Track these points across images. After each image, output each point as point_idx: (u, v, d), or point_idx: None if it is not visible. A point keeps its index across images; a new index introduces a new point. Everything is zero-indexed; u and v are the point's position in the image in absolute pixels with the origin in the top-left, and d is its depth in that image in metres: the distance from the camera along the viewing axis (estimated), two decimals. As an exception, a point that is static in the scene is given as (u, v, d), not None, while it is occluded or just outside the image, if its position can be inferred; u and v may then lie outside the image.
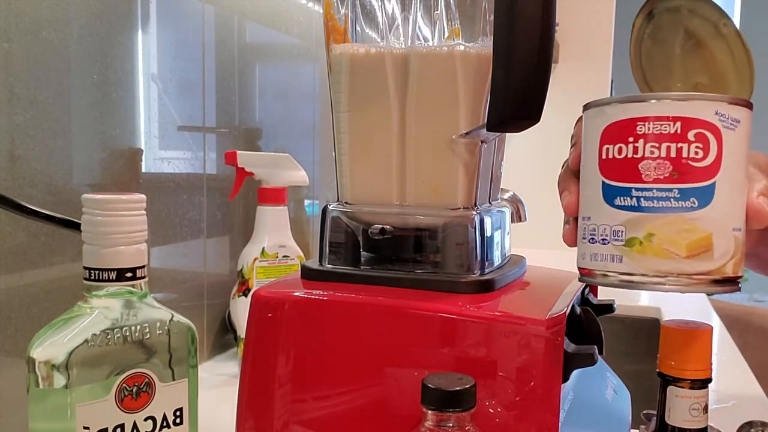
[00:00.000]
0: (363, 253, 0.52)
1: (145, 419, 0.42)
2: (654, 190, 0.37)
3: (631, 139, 0.38)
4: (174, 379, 0.44)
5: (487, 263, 0.50)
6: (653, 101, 0.38)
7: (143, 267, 0.43)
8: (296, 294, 0.49)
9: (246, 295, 0.85)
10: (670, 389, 0.40)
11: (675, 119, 0.37)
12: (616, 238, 0.38)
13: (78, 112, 0.65)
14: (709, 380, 0.40)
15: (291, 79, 1.09)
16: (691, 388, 0.40)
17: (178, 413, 0.44)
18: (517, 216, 1.01)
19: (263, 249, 0.85)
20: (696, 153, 0.37)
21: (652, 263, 0.37)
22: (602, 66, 2.18)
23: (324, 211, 0.53)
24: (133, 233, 0.42)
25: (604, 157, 0.39)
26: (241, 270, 0.85)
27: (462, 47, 0.49)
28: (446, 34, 0.51)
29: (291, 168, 0.88)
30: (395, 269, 0.50)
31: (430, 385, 0.37)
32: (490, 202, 0.55)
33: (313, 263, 0.53)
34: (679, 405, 0.40)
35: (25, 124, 0.59)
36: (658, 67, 0.50)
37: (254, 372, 0.48)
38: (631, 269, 0.38)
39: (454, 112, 0.49)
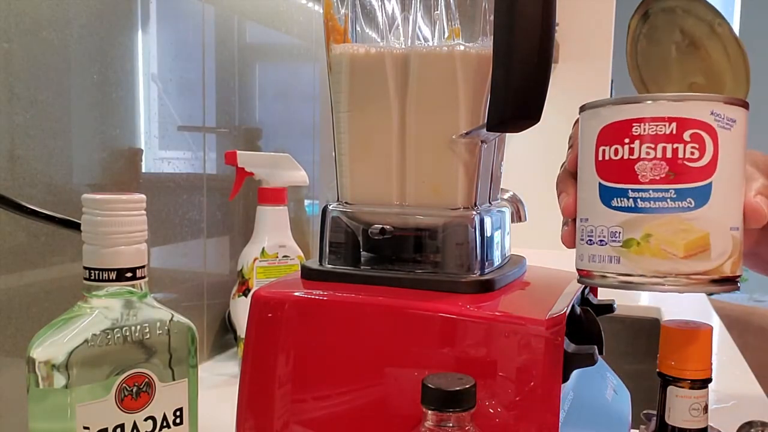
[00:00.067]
0: (363, 253, 0.52)
1: (145, 419, 0.42)
2: (650, 191, 0.37)
3: (627, 140, 0.38)
4: (174, 379, 0.44)
5: (487, 263, 0.50)
6: (648, 102, 0.38)
7: (143, 267, 0.43)
8: (296, 294, 0.49)
9: (246, 295, 0.85)
10: (670, 389, 0.40)
11: (670, 120, 0.37)
12: (613, 239, 0.38)
13: (78, 112, 0.65)
14: (709, 380, 0.40)
15: (291, 79, 1.09)
16: (691, 388, 0.40)
17: (178, 413, 0.44)
18: (517, 216, 1.01)
19: (263, 249, 0.85)
20: (692, 153, 0.37)
21: (650, 264, 0.37)
22: (602, 66, 2.18)
23: (324, 211, 0.53)
24: (133, 233, 0.42)
25: (600, 158, 0.39)
26: (241, 270, 0.85)
27: (462, 47, 0.49)
28: (446, 34, 0.51)
29: (291, 168, 0.88)
30: (395, 269, 0.50)
31: (430, 385, 0.37)
32: (490, 202, 0.55)
33: (313, 263, 0.53)
34: (679, 405, 0.40)
35: (25, 124, 0.59)
36: (653, 68, 0.51)
37: (254, 372, 0.48)
38: (630, 270, 0.38)
39: (454, 112, 0.49)
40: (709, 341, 0.40)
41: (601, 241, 0.39)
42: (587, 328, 0.49)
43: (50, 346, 0.39)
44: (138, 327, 0.42)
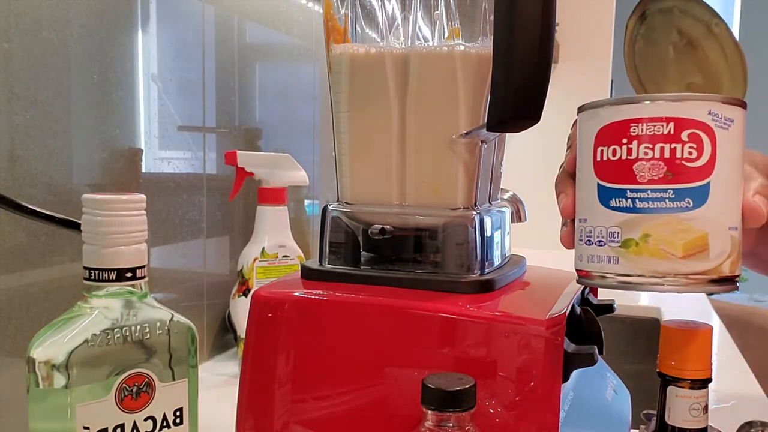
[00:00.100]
0: (363, 253, 0.52)
1: (145, 419, 0.42)
2: (649, 191, 0.37)
3: (624, 141, 0.38)
4: (174, 379, 0.44)
5: (487, 263, 0.50)
6: (646, 102, 0.38)
7: (143, 267, 0.43)
8: (296, 294, 0.49)
9: (246, 295, 0.85)
10: (670, 389, 0.40)
11: (668, 120, 0.37)
12: (612, 239, 0.39)
13: (78, 112, 0.65)
14: (709, 380, 0.40)
15: (291, 79, 1.09)
16: (691, 388, 0.40)
17: (178, 413, 0.44)
18: (517, 216, 1.01)
19: (263, 249, 0.85)
20: (690, 153, 0.37)
21: (648, 264, 0.37)
22: (602, 66, 2.18)
23: (324, 211, 0.53)
24: (133, 233, 0.42)
25: (598, 159, 0.39)
26: (241, 270, 0.85)
27: (462, 47, 0.49)
28: (446, 34, 0.51)
29: (291, 168, 0.88)
30: (395, 269, 0.50)
31: (430, 385, 0.37)
32: (490, 202, 0.55)
33: (313, 263, 0.52)
34: (679, 405, 0.40)
35: (25, 124, 0.59)
36: (651, 68, 0.51)
37: (254, 372, 0.48)
38: (628, 270, 0.38)
39: (454, 112, 0.49)
40: (709, 341, 0.40)
41: (599, 241, 0.39)
42: (587, 328, 0.49)
43: (50, 346, 0.39)
44: (138, 327, 0.42)
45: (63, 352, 0.39)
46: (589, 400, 0.55)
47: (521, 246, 0.75)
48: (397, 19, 0.52)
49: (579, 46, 2.15)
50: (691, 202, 0.37)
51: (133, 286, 0.43)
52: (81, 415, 0.40)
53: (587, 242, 0.40)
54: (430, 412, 0.38)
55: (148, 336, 0.42)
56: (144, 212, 0.43)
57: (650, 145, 0.37)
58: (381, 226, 0.51)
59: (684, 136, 0.37)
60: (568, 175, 0.43)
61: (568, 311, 0.45)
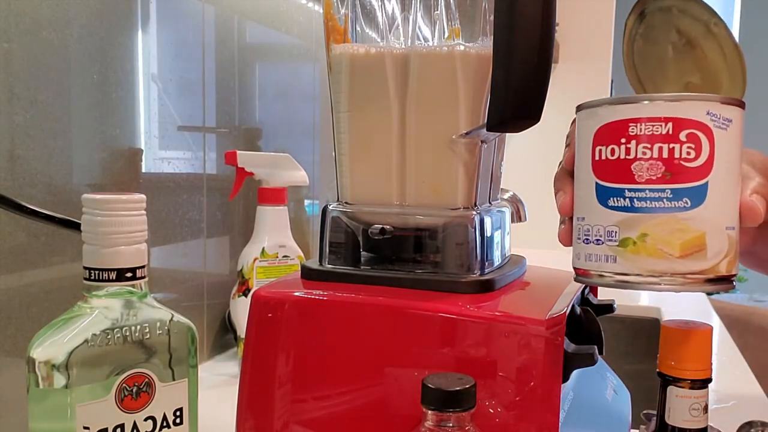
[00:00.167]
0: (363, 253, 0.52)
1: (145, 419, 0.42)
2: (647, 191, 0.37)
3: (623, 140, 0.38)
4: (174, 379, 0.44)
5: (487, 263, 0.50)
6: (645, 102, 0.38)
7: (143, 267, 0.43)
8: (296, 294, 0.49)
9: (246, 295, 0.85)
10: (670, 389, 0.40)
11: (666, 120, 0.37)
12: (610, 238, 0.39)
13: (78, 112, 0.65)
14: (709, 380, 0.40)
15: (291, 79, 1.09)
16: (691, 388, 0.40)
17: (178, 413, 0.44)
18: (517, 216, 1.01)
19: (263, 249, 0.85)
20: (688, 153, 0.37)
21: (646, 263, 0.38)
22: (602, 66, 2.18)
23: (324, 211, 0.53)
24: (133, 233, 0.42)
25: (597, 158, 0.39)
26: (241, 270, 0.85)
27: (462, 47, 0.49)
28: (446, 34, 0.51)
29: (291, 168, 0.88)
30: (395, 269, 0.50)
31: (430, 385, 0.37)
32: (490, 202, 0.55)
33: (313, 263, 0.52)
34: (679, 405, 0.40)
35: (25, 124, 0.59)
36: (650, 67, 0.51)
37: (254, 372, 0.48)
38: (626, 269, 0.38)
39: (454, 112, 0.49)
40: (709, 341, 0.40)
41: (597, 240, 0.39)
42: (587, 328, 0.49)
43: (50, 346, 0.39)
44: (138, 327, 0.42)
45: (63, 352, 0.39)
46: (589, 400, 0.55)
47: (521, 246, 0.75)
48: (397, 19, 0.52)
49: (579, 46, 2.15)
50: (688, 202, 0.37)
51: (133, 286, 0.43)
52: (81, 415, 0.40)
53: (585, 241, 0.40)
54: (430, 412, 0.38)
55: (148, 336, 0.42)
56: (144, 212, 0.43)
57: (648, 145, 0.37)
58: (381, 226, 0.51)
59: (682, 136, 0.37)
60: (566, 173, 0.43)
61: (568, 311, 0.45)
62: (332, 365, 0.47)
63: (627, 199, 0.38)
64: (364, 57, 0.50)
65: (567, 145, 0.45)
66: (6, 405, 0.58)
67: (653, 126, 0.37)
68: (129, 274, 0.42)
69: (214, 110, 0.87)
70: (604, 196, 0.39)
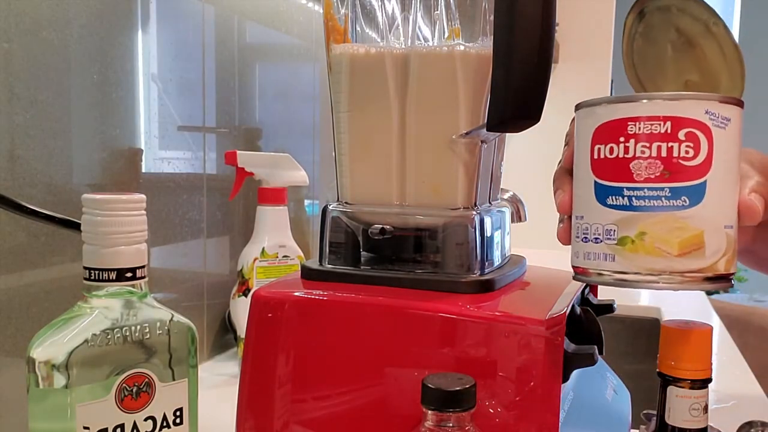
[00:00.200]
0: (363, 253, 0.52)
1: (145, 419, 0.42)
2: (645, 190, 0.37)
3: (622, 139, 0.38)
4: (174, 379, 0.44)
5: (487, 263, 0.50)
6: (644, 101, 0.38)
7: (143, 267, 0.43)
8: (296, 294, 0.49)
9: (246, 295, 0.85)
10: (670, 389, 0.40)
11: (665, 119, 0.37)
12: (608, 237, 0.39)
13: (78, 112, 0.65)
14: (709, 380, 0.40)
15: (291, 79, 1.09)
16: (691, 388, 0.40)
17: (178, 413, 0.44)
18: (517, 216, 1.01)
19: (263, 249, 0.85)
20: (687, 152, 0.37)
21: (644, 262, 0.38)
22: (602, 66, 2.18)
23: (324, 211, 0.53)
24: (133, 233, 0.42)
25: (595, 157, 0.39)
26: (241, 270, 0.85)
27: (462, 47, 0.49)
28: (446, 34, 0.51)
29: (291, 168, 0.88)
30: (395, 269, 0.50)
31: (430, 385, 0.37)
32: (490, 202, 0.55)
33: (313, 263, 0.52)
34: (679, 405, 0.40)
35: (25, 124, 0.59)
36: (649, 66, 0.51)
37: (254, 372, 0.48)
38: (624, 268, 0.38)
39: (454, 112, 0.49)
40: (709, 341, 0.40)
41: (596, 238, 0.39)
42: (587, 328, 0.49)
43: (50, 346, 0.39)
44: (138, 327, 0.42)
45: (63, 352, 0.39)
46: (589, 400, 0.55)
47: (521, 246, 0.75)
48: (397, 19, 0.52)
49: (579, 46, 2.15)
50: (687, 201, 0.37)
51: (133, 286, 0.43)
52: (81, 415, 0.40)
53: (584, 239, 0.40)
54: (430, 412, 0.38)
55: (148, 336, 0.42)
56: (144, 212, 0.43)
57: (647, 144, 0.37)
58: (381, 226, 0.51)
59: (681, 135, 0.37)
60: (565, 172, 0.43)
61: (568, 311, 0.45)
62: (332, 365, 0.47)
63: (625, 198, 0.38)
64: (364, 57, 0.50)
65: (566, 144, 0.45)
66: (6, 405, 0.58)
67: (652, 125, 0.37)
68: (129, 274, 0.42)
69: (214, 110, 0.87)
70: (602, 194, 0.39)
